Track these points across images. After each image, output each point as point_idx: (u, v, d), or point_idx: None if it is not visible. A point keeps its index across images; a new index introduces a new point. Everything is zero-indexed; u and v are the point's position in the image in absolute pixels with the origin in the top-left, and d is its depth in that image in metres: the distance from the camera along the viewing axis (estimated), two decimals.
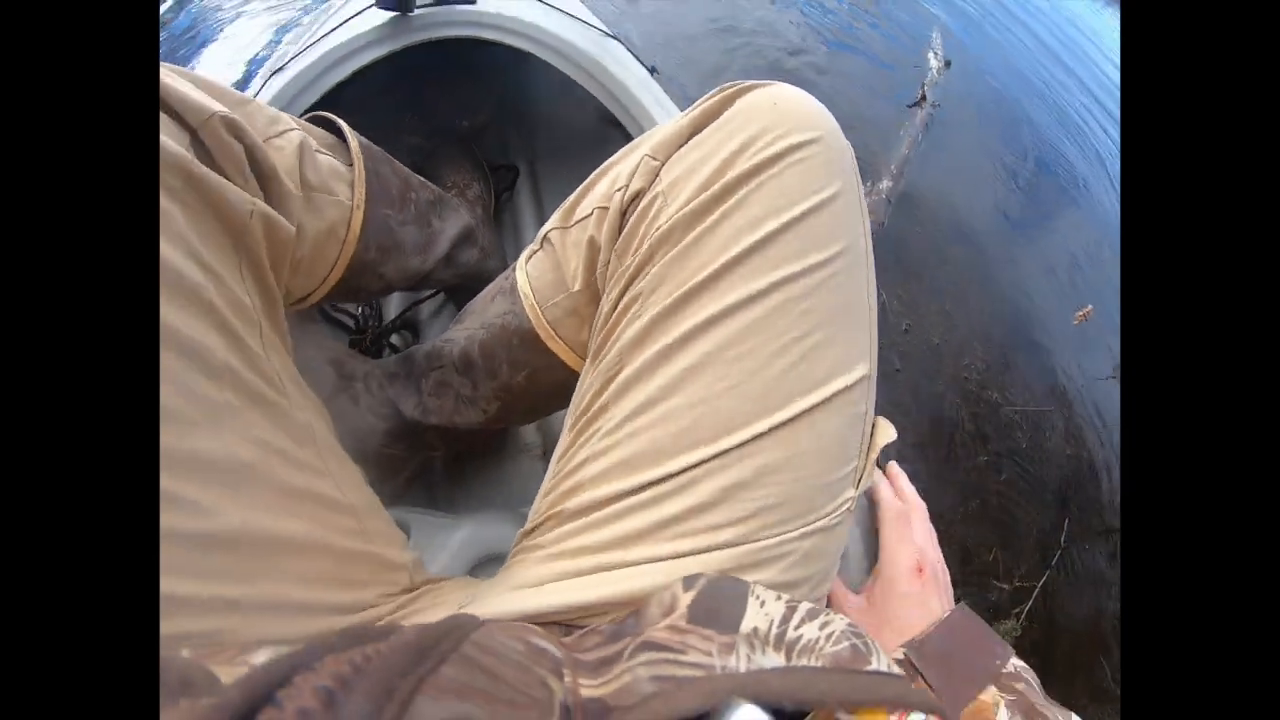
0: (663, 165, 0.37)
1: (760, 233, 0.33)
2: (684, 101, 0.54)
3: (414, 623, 0.31)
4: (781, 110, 0.34)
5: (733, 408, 0.32)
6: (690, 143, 0.36)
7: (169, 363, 0.27)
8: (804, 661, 0.24)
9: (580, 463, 0.36)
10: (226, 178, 0.33)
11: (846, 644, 0.25)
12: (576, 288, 0.42)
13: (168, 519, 0.26)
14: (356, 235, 0.46)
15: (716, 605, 0.26)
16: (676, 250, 0.34)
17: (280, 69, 0.68)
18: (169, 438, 0.27)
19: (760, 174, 0.33)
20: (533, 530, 0.38)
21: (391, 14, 0.65)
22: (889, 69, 1.97)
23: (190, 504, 0.28)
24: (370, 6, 0.67)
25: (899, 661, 0.32)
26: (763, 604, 0.26)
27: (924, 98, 1.90)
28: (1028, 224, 1.68)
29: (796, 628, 0.25)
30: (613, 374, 0.36)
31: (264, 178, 0.37)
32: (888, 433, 0.38)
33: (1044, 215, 1.72)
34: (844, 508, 0.35)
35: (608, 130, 0.83)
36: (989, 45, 2.30)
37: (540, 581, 0.34)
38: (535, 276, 0.45)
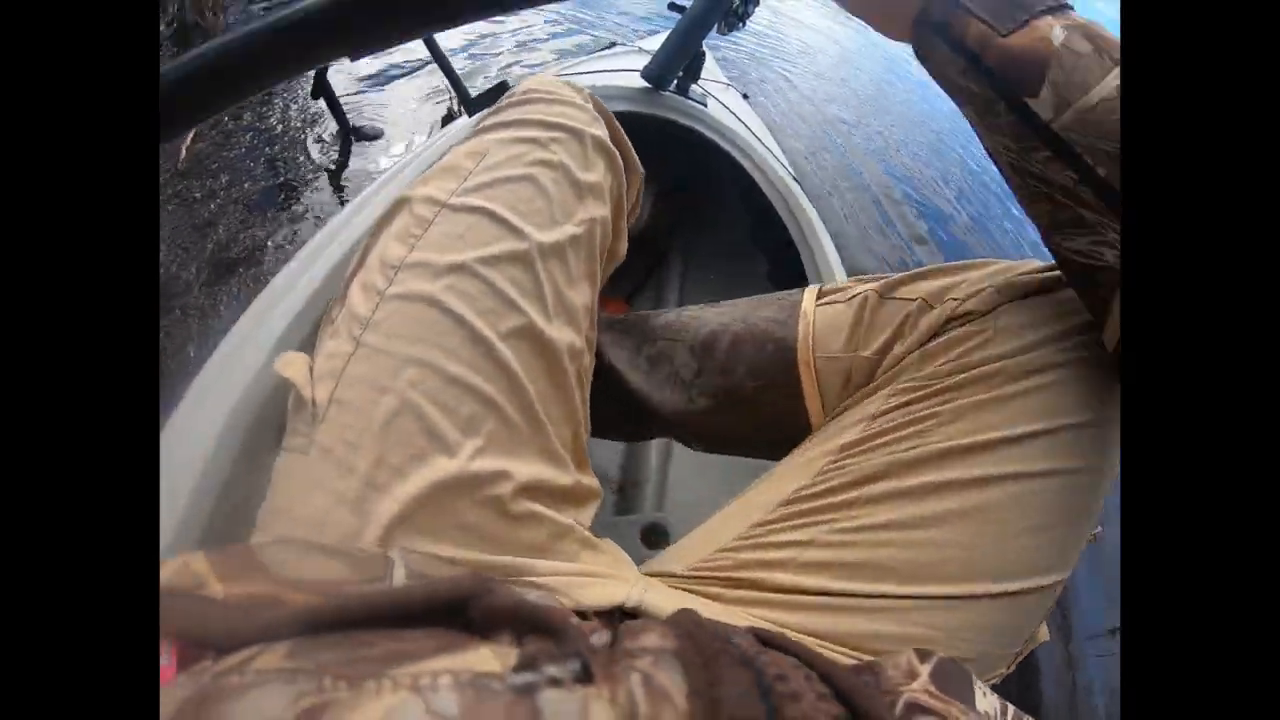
0: (1003, 305, 0.39)
1: (1065, 420, 0.36)
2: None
3: (588, 591, 0.35)
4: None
5: (971, 562, 0.35)
6: (1032, 300, 0.39)
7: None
8: None
9: (796, 541, 0.37)
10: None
11: None
12: (866, 354, 0.43)
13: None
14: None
15: (954, 682, 0.26)
16: (988, 396, 0.37)
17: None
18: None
19: (1085, 366, 0.37)
20: (709, 568, 0.39)
21: (647, 85, 0.80)
22: None
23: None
24: (629, 71, 0.83)
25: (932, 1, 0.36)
26: (984, 694, 0.26)
27: None
28: None
29: None
30: (873, 478, 0.37)
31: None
32: (1044, 634, 0.40)
33: None
34: (990, 683, 0.36)
35: (748, 247, 1.01)
36: None
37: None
38: (824, 314, 0.47)
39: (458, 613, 0.16)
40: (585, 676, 0.14)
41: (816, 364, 0.45)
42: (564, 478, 0.38)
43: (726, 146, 0.83)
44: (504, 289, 0.36)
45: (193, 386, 0.41)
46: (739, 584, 0.38)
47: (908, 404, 0.39)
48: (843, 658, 0.34)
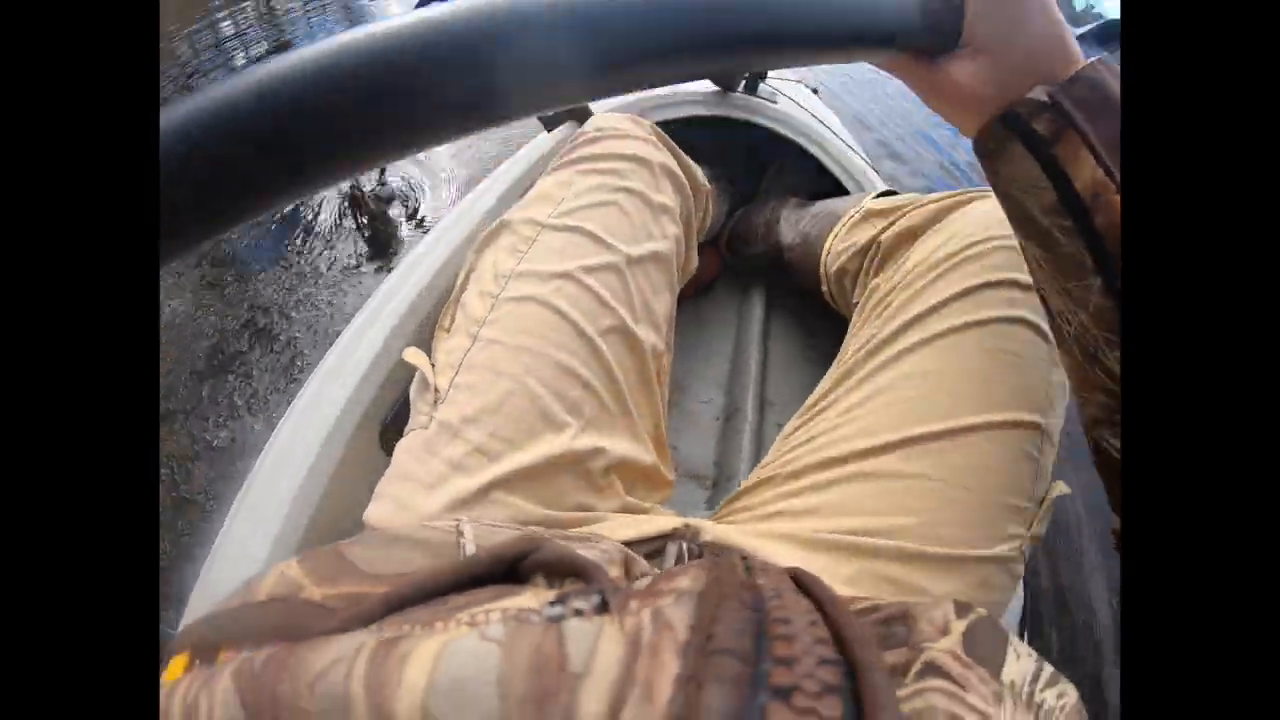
0: (941, 222, 0.50)
1: (980, 280, 0.43)
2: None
3: (651, 520, 0.40)
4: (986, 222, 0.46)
5: (926, 409, 0.41)
6: (940, 225, 0.49)
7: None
8: None
9: (800, 442, 0.45)
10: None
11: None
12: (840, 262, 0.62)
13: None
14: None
15: (986, 644, 0.25)
16: (910, 292, 0.46)
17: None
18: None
19: (978, 257, 0.44)
20: (746, 491, 0.46)
21: (716, 89, 0.83)
22: None
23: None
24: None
25: (1039, 104, 0.27)
26: (1018, 656, 0.26)
27: None
28: None
29: (1042, 690, 0.25)
30: (843, 380, 0.46)
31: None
32: (1060, 487, 0.43)
33: None
34: (1015, 544, 0.39)
35: None
36: None
37: (769, 535, 0.41)
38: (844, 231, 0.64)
39: (514, 568, 0.19)
40: (604, 608, 0.17)
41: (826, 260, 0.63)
42: (646, 458, 0.44)
43: (798, 139, 0.85)
44: (601, 293, 0.42)
45: (301, 394, 0.46)
46: (767, 483, 0.44)
47: (866, 316, 0.50)
48: (891, 597, 0.33)
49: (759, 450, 0.81)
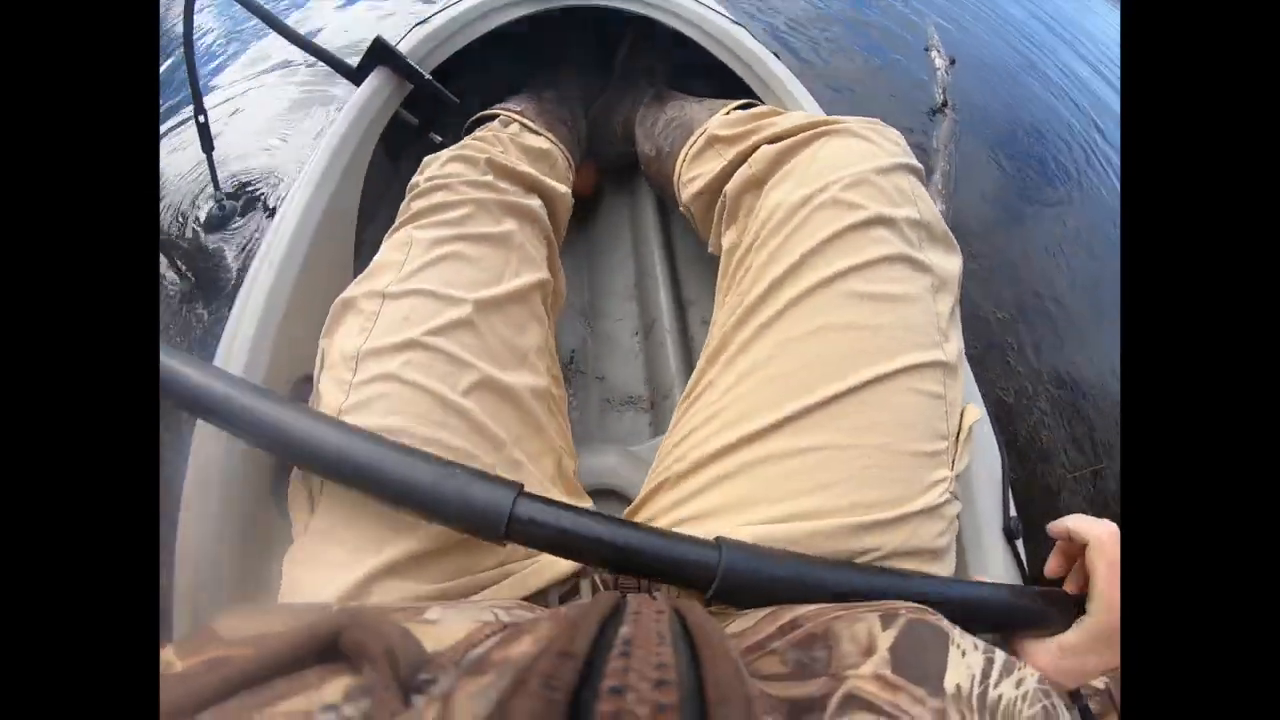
0: (786, 166, 0.47)
1: (830, 229, 0.40)
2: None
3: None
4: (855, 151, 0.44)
5: (812, 375, 0.38)
6: (786, 168, 0.47)
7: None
8: None
9: (686, 433, 0.42)
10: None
11: (1039, 706, 0.24)
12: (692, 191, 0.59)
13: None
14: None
15: (920, 653, 0.24)
16: (766, 252, 0.43)
17: (424, 21, 0.73)
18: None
19: (832, 202, 0.41)
20: (647, 498, 0.43)
21: None
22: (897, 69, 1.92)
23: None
24: None
25: (1096, 690, 0.33)
26: (963, 654, 0.24)
27: (945, 102, 1.81)
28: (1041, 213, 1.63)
29: (996, 685, 0.24)
30: (719, 353, 0.43)
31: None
32: (974, 414, 0.40)
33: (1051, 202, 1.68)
34: (941, 487, 0.37)
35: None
36: (978, 41, 2.24)
37: None
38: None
39: (334, 646, 0.19)
40: (372, 714, 0.17)
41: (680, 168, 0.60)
42: None
43: (648, 11, 0.75)
44: (455, 352, 0.39)
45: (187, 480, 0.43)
46: (665, 485, 0.41)
47: (733, 270, 0.47)
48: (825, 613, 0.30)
49: (689, 357, 0.74)
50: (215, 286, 1.14)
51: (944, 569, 0.37)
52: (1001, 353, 1.29)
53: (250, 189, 1.34)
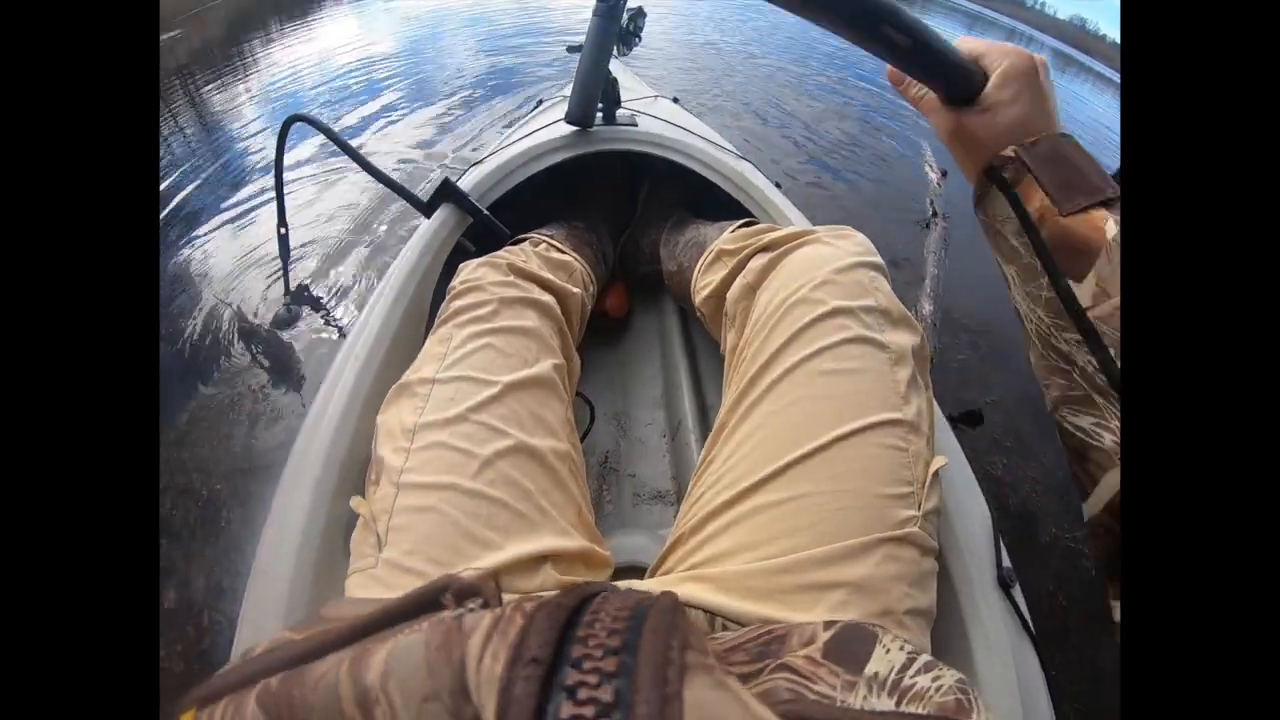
0: (772, 273, 0.58)
1: (800, 323, 0.50)
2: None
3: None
4: (824, 257, 0.55)
5: (791, 437, 0.46)
6: (771, 276, 0.57)
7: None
8: (912, 708, 0.27)
9: (694, 501, 0.50)
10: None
11: (953, 697, 0.27)
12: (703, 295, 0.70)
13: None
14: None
15: (848, 646, 0.29)
16: (757, 344, 0.52)
17: (479, 162, 0.91)
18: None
19: (801, 301, 0.52)
20: (663, 558, 0.50)
21: (574, 129, 0.87)
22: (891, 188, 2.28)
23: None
24: (556, 122, 0.92)
25: (1008, 158, 0.40)
26: (887, 651, 0.29)
27: (935, 214, 2.01)
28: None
29: (912, 676, 0.28)
30: (719, 434, 0.52)
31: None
32: (939, 461, 0.46)
33: None
34: (909, 523, 0.42)
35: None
36: None
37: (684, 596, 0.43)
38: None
39: (437, 600, 0.26)
40: (485, 607, 0.24)
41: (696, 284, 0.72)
42: (573, 544, 0.49)
43: (667, 154, 0.90)
44: (491, 423, 0.50)
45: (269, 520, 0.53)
46: (678, 543, 0.48)
47: (732, 364, 0.57)
48: (810, 603, 0.39)
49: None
50: (288, 373, 1.44)
51: (925, 596, 0.42)
52: (990, 431, 1.45)
53: (308, 293, 1.66)
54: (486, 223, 0.80)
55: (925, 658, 0.29)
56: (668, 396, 0.92)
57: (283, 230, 1.02)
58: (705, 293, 0.69)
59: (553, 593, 0.28)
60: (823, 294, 0.51)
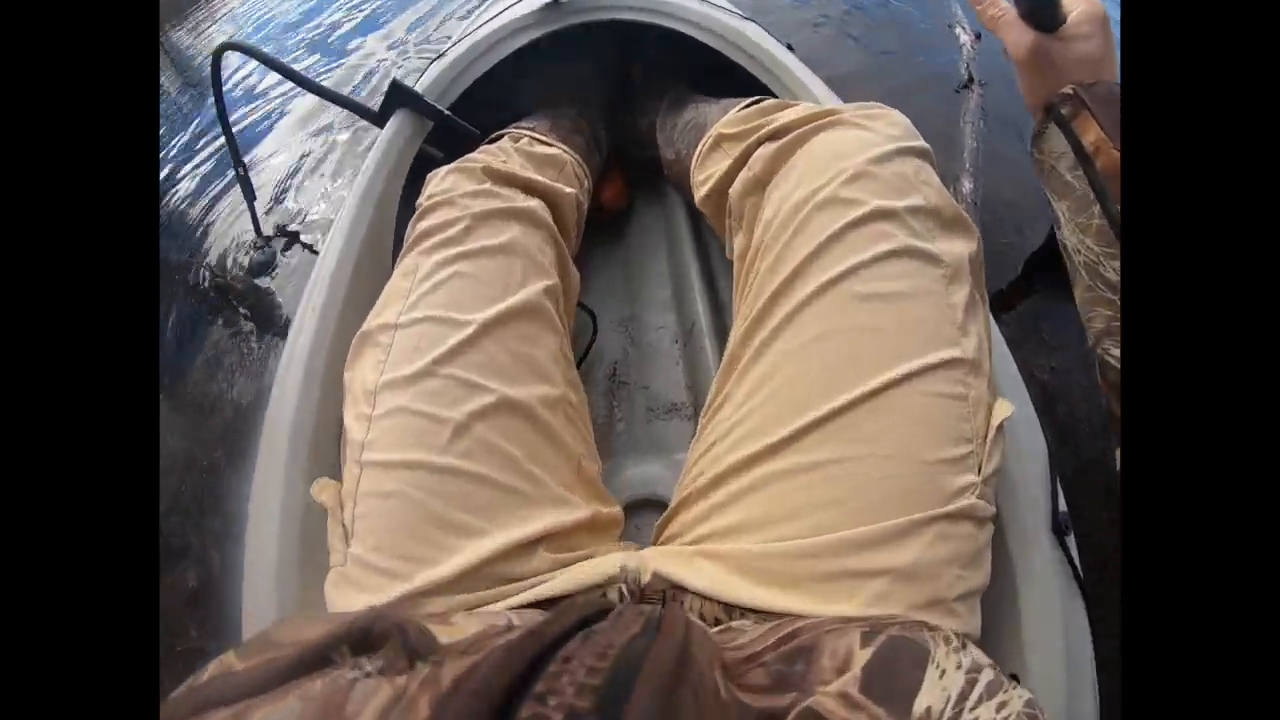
0: (784, 165, 0.47)
1: (830, 229, 0.40)
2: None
3: (589, 565, 0.39)
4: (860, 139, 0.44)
5: (819, 385, 0.37)
6: (785, 169, 0.46)
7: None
8: None
9: (704, 450, 0.42)
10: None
11: None
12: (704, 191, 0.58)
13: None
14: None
15: (892, 673, 0.23)
16: (771, 257, 0.42)
17: (441, 55, 0.77)
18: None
19: (831, 200, 0.41)
20: (672, 516, 0.43)
21: (545, 1, 0.74)
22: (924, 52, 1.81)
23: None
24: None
25: (1068, 95, 0.39)
26: (942, 674, 0.24)
27: (970, 79, 1.68)
28: None
29: (973, 708, 0.23)
30: (731, 367, 0.43)
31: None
32: (1004, 410, 0.38)
33: None
34: (966, 492, 0.35)
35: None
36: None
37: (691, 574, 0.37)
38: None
39: (368, 639, 0.23)
40: (385, 671, 0.21)
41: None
42: (576, 514, 0.42)
43: (654, 19, 0.77)
44: (464, 376, 0.41)
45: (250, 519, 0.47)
46: (685, 502, 0.42)
47: (742, 279, 0.47)
48: (848, 595, 0.33)
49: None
50: (272, 323, 1.28)
51: (979, 574, 0.36)
52: (1035, 327, 1.16)
53: (288, 229, 1.45)
54: (448, 123, 0.70)
55: (987, 676, 0.24)
56: (678, 297, 0.82)
57: (240, 171, 0.95)
58: (705, 188, 0.56)
59: (502, 632, 0.24)
60: (856, 191, 0.40)
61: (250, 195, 1.01)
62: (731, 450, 0.39)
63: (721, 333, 0.76)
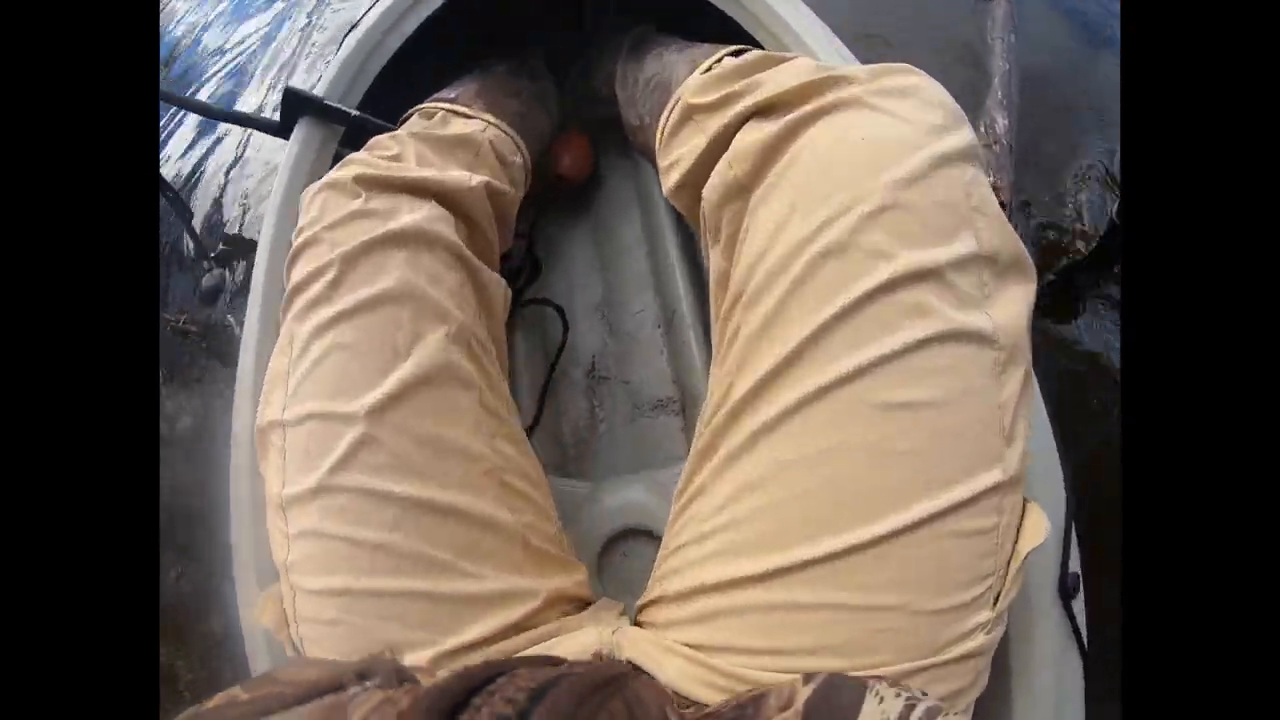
0: (775, 166, 0.34)
1: (848, 296, 0.29)
2: None
3: (561, 644, 0.37)
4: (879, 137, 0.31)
5: (821, 515, 0.30)
6: (773, 177, 0.34)
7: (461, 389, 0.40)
8: None
9: (683, 544, 0.35)
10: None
11: None
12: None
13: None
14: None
15: (832, 704, 0.24)
16: (761, 313, 0.32)
17: (355, 25, 0.64)
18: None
19: (842, 247, 0.30)
20: (648, 605, 0.38)
21: None
22: None
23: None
24: None
25: None
26: (880, 700, 0.23)
27: None
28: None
29: None
30: (709, 453, 0.34)
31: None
32: (1036, 535, 0.31)
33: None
34: (975, 634, 0.30)
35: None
36: None
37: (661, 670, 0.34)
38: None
39: (362, 676, 0.26)
40: (382, 686, 0.25)
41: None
42: (528, 604, 0.38)
43: None
44: (368, 484, 0.35)
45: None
46: (661, 601, 0.37)
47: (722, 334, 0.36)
48: (767, 675, 0.30)
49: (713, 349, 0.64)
50: (231, 356, 1.00)
51: (973, 691, 0.32)
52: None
53: (230, 235, 1.26)
54: (358, 123, 0.59)
55: (925, 704, 0.23)
56: (657, 276, 0.73)
57: (169, 194, 0.87)
58: (675, 177, 0.42)
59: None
60: (880, 235, 0.29)
61: (186, 215, 0.89)
62: (714, 559, 0.33)
63: (705, 318, 0.67)
